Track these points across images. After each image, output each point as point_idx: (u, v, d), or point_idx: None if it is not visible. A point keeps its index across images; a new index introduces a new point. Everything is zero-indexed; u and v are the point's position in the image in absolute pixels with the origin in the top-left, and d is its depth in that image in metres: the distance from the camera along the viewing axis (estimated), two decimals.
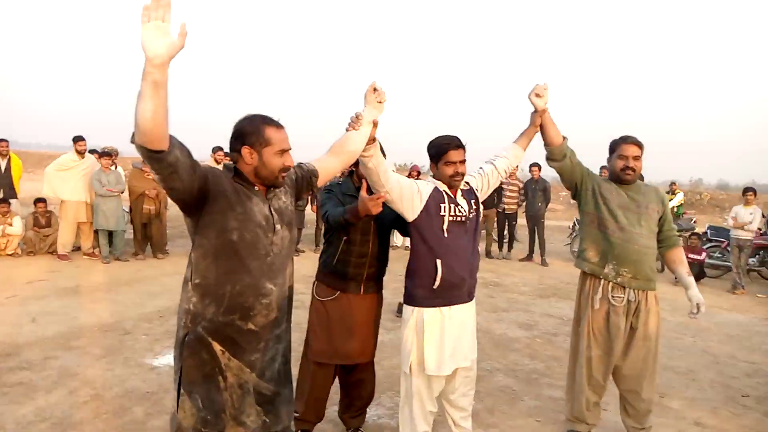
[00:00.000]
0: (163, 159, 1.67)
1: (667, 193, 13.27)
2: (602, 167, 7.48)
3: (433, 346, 2.79)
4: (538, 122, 3.12)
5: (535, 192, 10.30)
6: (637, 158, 3.15)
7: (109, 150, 8.73)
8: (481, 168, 3.12)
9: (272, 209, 2.06)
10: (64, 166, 8.35)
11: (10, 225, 8.25)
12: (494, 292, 7.55)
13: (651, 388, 3.29)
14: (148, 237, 8.78)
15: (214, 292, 1.93)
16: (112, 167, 8.60)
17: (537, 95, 3.06)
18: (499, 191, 10.32)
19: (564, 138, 3.22)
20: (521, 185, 10.56)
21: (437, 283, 2.75)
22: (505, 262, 10.43)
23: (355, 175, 3.07)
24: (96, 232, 8.46)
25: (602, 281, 3.17)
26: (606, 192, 3.20)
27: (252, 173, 2.02)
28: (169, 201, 9.10)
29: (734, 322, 6.73)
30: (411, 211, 2.77)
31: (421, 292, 2.82)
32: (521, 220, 11.40)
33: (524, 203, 10.58)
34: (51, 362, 4.29)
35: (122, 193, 8.52)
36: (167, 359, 4.47)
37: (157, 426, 3.36)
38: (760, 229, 8.96)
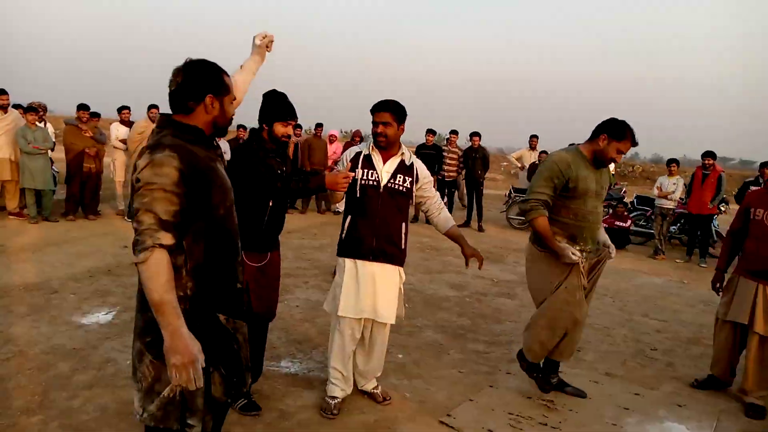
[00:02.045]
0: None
1: None
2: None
3: (345, 291, 3.10)
4: None
5: (474, 160, 10.51)
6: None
7: (35, 105, 8.31)
8: (428, 186, 3.33)
9: (223, 164, 1.96)
10: None
11: None
12: (430, 256, 7.74)
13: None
14: (81, 197, 8.50)
15: (210, 272, 1.82)
16: (40, 123, 8.21)
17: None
18: (439, 159, 10.50)
19: (546, 218, 3.29)
20: (460, 153, 10.75)
21: (344, 235, 3.15)
22: None
23: (265, 132, 3.03)
24: (23, 191, 8.12)
25: None
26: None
27: (209, 125, 1.87)
28: (105, 161, 8.85)
29: (651, 285, 7.17)
30: None
31: (340, 243, 3.18)
32: (462, 188, 11.64)
33: (464, 171, 10.80)
34: None
35: (51, 150, 8.18)
36: (95, 318, 4.42)
37: (82, 380, 3.35)
38: (681, 198, 9.49)
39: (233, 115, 1.97)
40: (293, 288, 5.61)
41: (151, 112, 8.63)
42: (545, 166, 3.33)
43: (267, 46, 2.74)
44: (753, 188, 9.27)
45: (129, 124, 8.92)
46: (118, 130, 8.92)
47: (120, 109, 9.03)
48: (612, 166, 12.99)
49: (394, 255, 3.14)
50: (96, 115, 8.67)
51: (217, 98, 1.85)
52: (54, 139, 8.48)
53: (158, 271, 1.62)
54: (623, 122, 3.28)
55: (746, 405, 3.64)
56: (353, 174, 3.00)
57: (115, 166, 9.03)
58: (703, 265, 8.59)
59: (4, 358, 3.59)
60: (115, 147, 8.97)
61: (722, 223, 9.12)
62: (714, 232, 9.34)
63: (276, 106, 2.97)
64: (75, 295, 4.94)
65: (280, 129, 2.96)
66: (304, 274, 6.24)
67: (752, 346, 3.65)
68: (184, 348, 1.63)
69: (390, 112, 3.07)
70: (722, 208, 10.15)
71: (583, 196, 3.29)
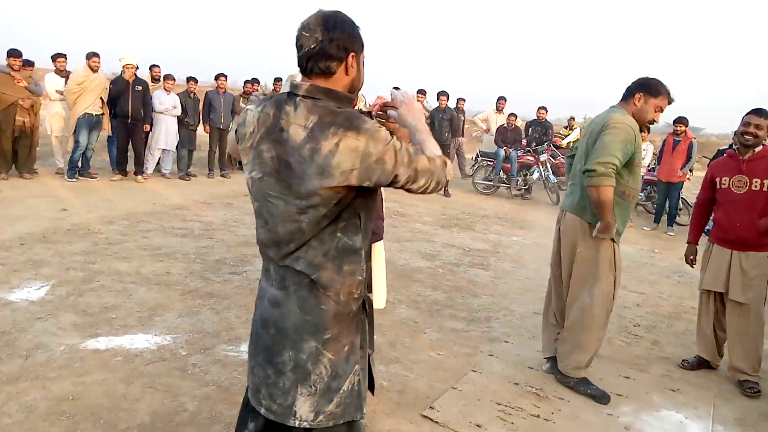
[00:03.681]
0: None
1: (565, 128, 13.60)
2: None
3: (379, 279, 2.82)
4: None
5: (442, 121, 10.12)
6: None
7: None
8: None
9: None
10: None
11: None
12: (397, 222, 7.36)
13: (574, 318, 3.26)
14: (14, 153, 7.70)
15: (369, 248, 1.68)
16: None
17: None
18: None
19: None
20: (427, 114, 10.32)
21: None
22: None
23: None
24: None
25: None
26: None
27: (347, 88, 1.60)
28: (41, 116, 8.02)
29: (623, 254, 6.99)
30: None
31: None
32: None
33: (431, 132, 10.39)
34: None
35: None
36: (25, 293, 3.87)
37: (5, 372, 2.85)
38: (648, 165, 9.35)
39: None
40: (252, 258, 5.15)
41: (92, 61, 7.83)
42: (621, 129, 2.95)
43: None
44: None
45: (66, 74, 8.08)
46: (54, 81, 8.09)
47: (54, 57, 8.15)
48: (577, 131, 12.91)
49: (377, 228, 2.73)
50: (30, 63, 7.81)
51: (357, 57, 1.58)
52: None
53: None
54: (656, 79, 3.02)
55: (742, 384, 3.47)
56: None
57: (52, 121, 8.22)
58: (670, 233, 8.51)
59: None
60: (51, 99, 8.14)
61: (685, 190, 9.02)
62: (680, 199, 9.27)
63: None
64: (3, 265, 4.36)
65: None
66: None
67: (731, 317, 3.53)
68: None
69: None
70: (688, 177, 10.11)
71: (638, 167, 3.10)
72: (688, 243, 3.89)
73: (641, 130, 3.13)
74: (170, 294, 4.12)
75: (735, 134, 3.68)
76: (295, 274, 1.55)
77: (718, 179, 3.61)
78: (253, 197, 1.61)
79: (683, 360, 3.80)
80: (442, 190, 9.85)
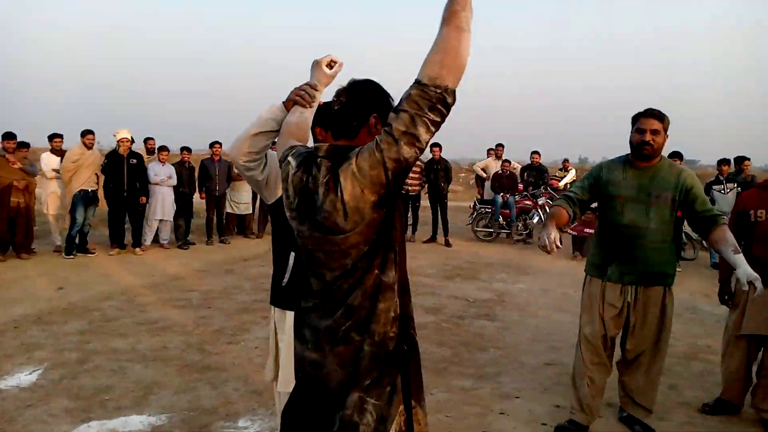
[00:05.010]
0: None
1: (560, 170, 13.63)
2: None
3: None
4: None
5: (437, 172, 10.13)
6: (656, 132, 2.96)
7: None
8: None
9: None
10: None
11: None
12: None
13: (647, 375, 3.17)
14: (11, 235, 7.68)
15: (406, 282, 1.65)
16: None
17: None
18: None
19: (564, 210, 3.08)
20: (423, 166, 10.35)
21: None
22: (409, 245, 10.21)
23: None
24: None
25: (604, 282, 3.13)
26: (614, 186, 3.07)
27: None
28: (37, 193, 8.05)
29: None
30: None
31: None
32: (424, 202, 11.23)
33: (426, 185, 10.38)
34: None
35: None
36: (16, 379, 3.75)
37: None
38: None
39: None
40: (251, 325, 5.03)
41: (87, 138, 7.94)
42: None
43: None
44: (716, 188, 9.20)
45: (61, 153, 8.16)
46: (50, 160, 8.16)
47: (51, 137, 8.26)
48: (572, 173, 12.90)
49: None
50: (25, 145, 7.88)
51: (381, 119, 1.63)
52: None
53: None
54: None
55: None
56: None
57: (48, 200, 8.25)
58: (677, 270, 8.34)
59: None
60: (48, 178, 8.20)
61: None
62: (683, 233, 9.16)
63: None
64: None
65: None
66: (263, 308, 5.64)
67: None
68: None
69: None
70: None
71: (616, 200, 3.06)
72: (720, 282, 3.67)
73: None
74: (167, 370, 3.98)
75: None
76: (329, 332, 1.56)
77: (752, 212, 3.47)
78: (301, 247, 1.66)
79: (704, 404, 3.62)
80: (445, 243, 9.76)
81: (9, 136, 7.55)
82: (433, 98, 1.42)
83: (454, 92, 1.45)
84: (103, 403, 3.43)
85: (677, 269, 8.03)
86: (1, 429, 3.09)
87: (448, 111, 1.46)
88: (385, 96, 1.68)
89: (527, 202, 10.58)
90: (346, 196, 1.46)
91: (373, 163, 1.45)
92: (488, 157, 11.88)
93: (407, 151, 1.43)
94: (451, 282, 7.14)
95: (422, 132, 1.43)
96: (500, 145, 11.44)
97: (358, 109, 1.64)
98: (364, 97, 1.66)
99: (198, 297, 6.01)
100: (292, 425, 1.72)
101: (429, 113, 1.43)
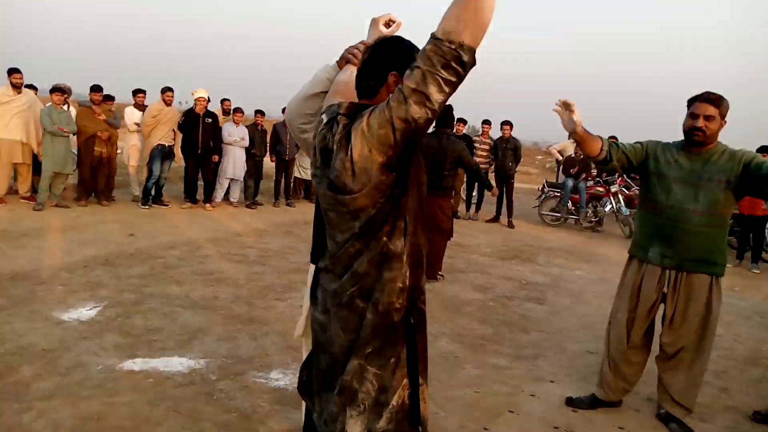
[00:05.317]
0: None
1: None
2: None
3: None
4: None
5: (505, 151, 9.89)
6: (709, 118, 2.81)
7: (62, 86, 8.00)
8: None
9: None
10: None
11: None
12: (454, 253, 7.17)
13: (689, 374, 3.04)
14: (94, 182, 8.22)
15: (420, 255, 1.61)
16: (64, 106, 7.93)
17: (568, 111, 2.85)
18: (469, 149, 9.89)
19: (602, 144, 2.97)
20: (492, 144, 10.14)
21: None
22: (471, 222, 10.09)
23: None
24: (37, 174, 7.85)
25: (645, 265, 3.04)
26: (665, 166, 2.95)
27: None
28: (119, 145, 8.56)
29: None
30: None
31: None
32: (491, 181, 11.03)
33: (494, 163, 10.17)
34: None
35: (73, 135, 7.87)
36: (78, 313, 4.04)
37: (42, 389, 2.94)
38: None
39: None
40: (300, 285, 5.16)
41: (166, 95, 8.30)
42: None
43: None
44: None
45: (144, 108, 8.59)
46: (133, 114, 8.62)
47: (135, 93, 8.72)
48: None
49: None
50: (110, 98, 8.34)
51: (402, 77, 1.49)
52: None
53: None
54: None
55: None
56: None
57: (130, 152, 8.75)
58: (755, 271, 7.81)
59: None
60: (130, 131, 8.68)
61: None
62: (767, 234, 8.53)
63: None
64: (64, 286, 4.58)
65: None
66: None
67: None
68: None
69: None
70: None
71: (665, 179, 2.95)
72: None
73: None
74: (213, 318, 4.16)
75: None
76: (335, 295, 1.57)
77: None
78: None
79: (755, 411, 3.40)
80: (508, 224, 9.54)
81: (96, 88, 8.01)
82: (447, 54, 1.34)
83: (471, 50, 1.36)
84: (149, 343, 3.65)
85: (755, 270, 7.52)
86: (57, 355, 3.35)
87: (465, 71, 1.37)
88: (408, 53, 1.60)
89: (599, 189, 10.15)
90: (354, 155, 1.44)
91: (381, 121, 1.41)
92: (568, 139, 11.47)
93: (416, 111, 1.37)
94: (505, 263, 7.02)
95: (433, 91, 1.35)
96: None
97: (377, 67, 1.61)
98: (383, 54, 1.62)
99: (254, 254, 6.22)
100: (307, 381, 1.76)
101: (442, 71, 1.35)
